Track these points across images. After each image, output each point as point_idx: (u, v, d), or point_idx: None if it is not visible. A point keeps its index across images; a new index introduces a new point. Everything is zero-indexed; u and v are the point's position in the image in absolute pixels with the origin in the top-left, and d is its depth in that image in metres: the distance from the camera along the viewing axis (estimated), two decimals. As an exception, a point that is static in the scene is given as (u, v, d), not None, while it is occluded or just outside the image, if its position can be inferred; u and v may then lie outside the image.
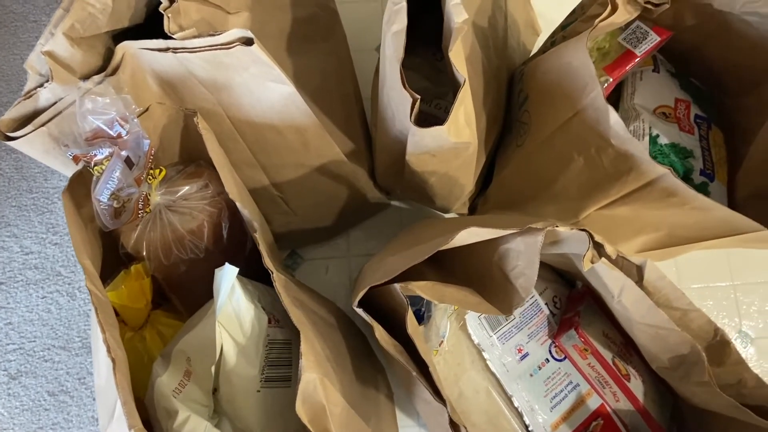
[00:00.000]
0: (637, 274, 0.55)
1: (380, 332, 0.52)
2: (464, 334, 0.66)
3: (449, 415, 0.49)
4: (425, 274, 0.58)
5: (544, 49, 0.81)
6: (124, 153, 0.58)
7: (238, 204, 0.61)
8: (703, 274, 0.96)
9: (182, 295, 0.69)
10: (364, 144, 0.84)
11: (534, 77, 0.73)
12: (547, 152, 0.70)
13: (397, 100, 0.60)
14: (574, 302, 0.68)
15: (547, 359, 0.67)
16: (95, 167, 0.58)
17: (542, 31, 0.98)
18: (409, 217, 1.00)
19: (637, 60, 0.71)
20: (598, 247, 0.52)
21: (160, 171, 0.65)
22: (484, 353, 0.66)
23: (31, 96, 0.60)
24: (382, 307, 0.57)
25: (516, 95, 0.81)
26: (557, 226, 0.50)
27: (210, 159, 0.72)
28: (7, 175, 0.98)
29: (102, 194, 0.56)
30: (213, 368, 0.56)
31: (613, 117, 0.55)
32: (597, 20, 0.60)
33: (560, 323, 0.68)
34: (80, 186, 0.62)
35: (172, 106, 0.68)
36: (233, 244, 0.70)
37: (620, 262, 0.55)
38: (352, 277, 0.97)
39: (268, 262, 0.57)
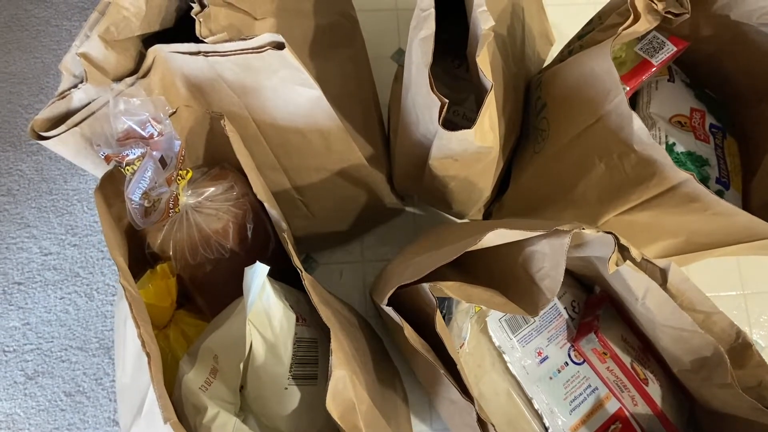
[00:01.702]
0: (660, 276, 0.56)
1: (409, 331, 0.53)
2: (485, 336, 0.67)
3: (477, 413, 0.50)
4: (448, 277, 0.58)
5: (561, 58, 0.82)
6: (156, 153, 0.59)
7: (266, 205, 0.62)
8: (714, 283, 0.97)
9: (206, 295, 0.70)
10: (382, 149, 0.86)
11: (553, 84, 0.75)
12: (566, 158, 0.71)
13: (423, 105, 0.61)
14: (592, 306, 0.69)
15: (566, 362, 0.68)
16: (127, 167, 0.60)
17: (555, 41, 1.00)
18: (423, 223, 1.01)
19: (653, 69, 0.72)
20: (623, 250, 0.53)
21: (187, 172, 0.66)
22: (504, 356, 0.66)
23: (64, 97, 0.61)
24: (407, 307, 0.58)
25: (533, 103, 0.82)
26: (583, 229, 0.51)
27: (234, 162, 0.74)
28: (27, 177, 0.99)
29: (134, 193, 0.57)
30: (241, 365, 0.57)
31: (637, 123, 0.57)
32: (620, 28, 0.62)
33: (579, 327, 0.69)
34: (111, 185, 0.63)
35: (198, 109, 0.70)
36: (257, 245, 0.71)
37: (644, 265, 0.56)
38: (366, 281, 0.98)
39: (297, 261, 0.58)
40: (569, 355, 0.68)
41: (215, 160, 0.76)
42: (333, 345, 0.52)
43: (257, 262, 0.56)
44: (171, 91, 0.67)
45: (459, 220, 0.97)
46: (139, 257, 0.70)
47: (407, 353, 0.69)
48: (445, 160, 0.66)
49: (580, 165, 0.68)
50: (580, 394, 0.67)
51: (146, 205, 0.60)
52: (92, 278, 0.94)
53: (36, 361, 0.92)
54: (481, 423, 0.50)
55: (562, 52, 0.85)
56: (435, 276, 0.55)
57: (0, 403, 0.90)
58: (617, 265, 0.53)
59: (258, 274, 0.56)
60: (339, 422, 0.50)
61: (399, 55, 1.08)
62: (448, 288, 0.53)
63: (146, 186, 0.58)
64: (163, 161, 0.58)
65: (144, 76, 0.63)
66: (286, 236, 0.60)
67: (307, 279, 0.57)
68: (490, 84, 0.56)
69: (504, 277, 0.60)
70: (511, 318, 0.68)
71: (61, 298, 0.94)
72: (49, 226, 0.97)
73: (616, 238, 0.52)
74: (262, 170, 0.76)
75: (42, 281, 0.94)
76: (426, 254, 0.57)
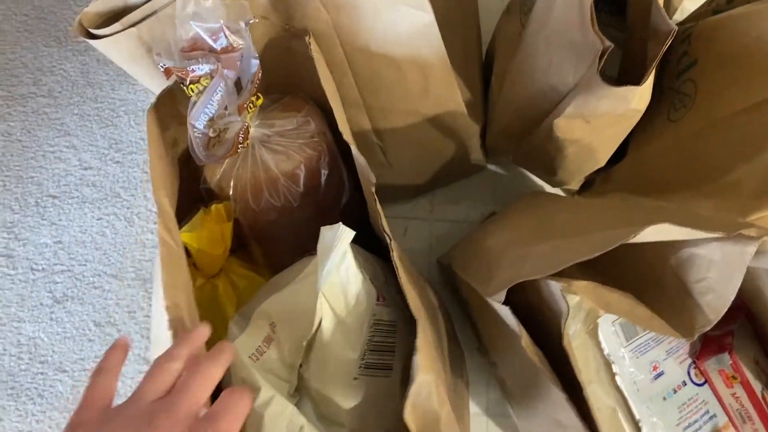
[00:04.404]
0: None
1: (527, 342, 0.42)
2: (593, 340, 0.55)
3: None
4: (571, 272, 0.47)
5: (716, 9, 0.67)
6: (228, 73, 0.47)
7: (353, 148, 0.51)
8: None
9: (266, 245, 0.59)
10: (480, 97, 0.72)
11: (714, 40, 0.60)
12: (720, 136, 0.57)
13: (568, 47, 0.48)
14: (725, 320, 0.57)
15: (684, 382, 0.57)
16: (191, 85, 0.48)
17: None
18: (503, 185, 0.88)
19: None
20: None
21: (258, 98, 0.54)
22: (613, 366, 0.55)
23: (122, -13, 0.50)
24: (515, 300, 0.47)
25: (675, 59, 0.67)
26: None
27: (309, 92, 0.62)
28: (71, 79, 0.88)
29: (199, 119, 0.46)
30: (305, 343, 0.47)
31: None
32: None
33: (704, 342, 0.57)
34: (167, 105, 0.52)
35: (276, 22, 0.57)
36: (329, 196, 0.59)
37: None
38: (432, 244, 0.86)
39: (385, 225, 0.47)
40: (689, 374, 0.57)
41: (287, 87, 0.64)
42: (419, 341, 0.41)
43: (339, 222, 0.45)
44: (248, -5, 0.55)
45: (550, 188, 0.85)
46: (191, 191, 0.60)
47: (493, 343, 0.58)
48: (575, 121, 0.53)
49: (742, 147, 0.54)
50: (696, 421, 0.56)
51: (211, 134, 0.49)
52: (134, 201, 0.85)
53: (66, 284, 0.84)
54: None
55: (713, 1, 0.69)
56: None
57: (23, 324, 0.83)
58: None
59: (340, 237, 0.45)
60: None
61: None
62: (583, 291, 0.41)
63: (214, 112, 0.47)
64: (239, 83, 0.46)
65: (220, -29, 0.51)
66: (373, 191, 0.49)
67: (397, 251, 0.46)
68: (671, 29, 0.42)
69: (642, 279, 0.48)
70: (627, 322, 0.56)
71: (98, 219, 0.85)
72: (92, 137, 0.86)
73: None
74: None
75: (79, 197, 0.85)
76: (547, 243, 0.45)
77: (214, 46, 0.48)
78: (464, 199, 0.88)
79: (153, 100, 0.50)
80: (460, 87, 0.65)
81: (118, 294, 0.83)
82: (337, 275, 0.45)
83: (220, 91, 0.46)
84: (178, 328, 0.41)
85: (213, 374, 0.36)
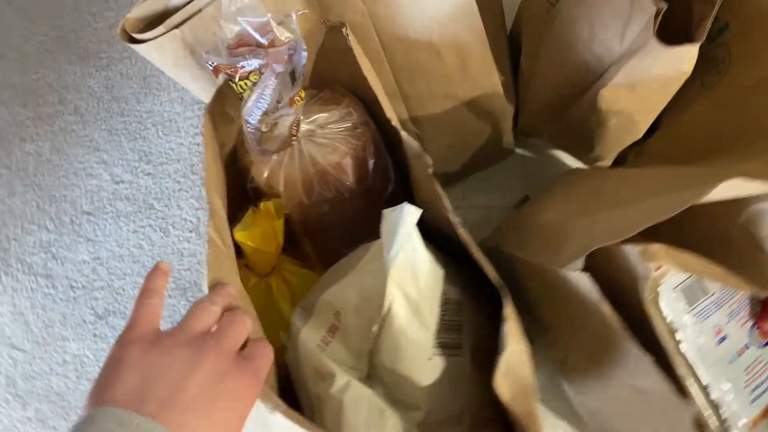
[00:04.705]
0: None
1: (608, 309, 0.42)
2: (654, 308, 0.55)
3: (696, 414, 0.39)
4: (635, 239, 0.47)
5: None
6: (277, 66, 0.47)
7: (402, 133, 0.51)
8: None
9: (318, 239, 0.59)
10: (510, 77, 0.72)
11: (742, 1, 0.60)
12: (760, 96, 0.57)
13: (614, 16, 0.48)
14: (783, 278, 0.57)
15: (746, 345, 0.56)
16: (239, 82, 0.48)
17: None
18: (532, 169, 0.88)
19: None
20: None
21: (302, 91, 0.54)
22: (677, 333, 0.55)
23: (163, -11, 0.50)
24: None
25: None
26: None
27: (346, 84, 0.62)
28: (96, 95, 0.88)
29: (252, 115, 0.46)
30: (375, 327, 0.46)
31: None
32: None
33: (764, 302, 0.57)
34: (218, 106, 0.52)
35: (313, 16, 0.58)
36: (376, 185, 0.60)
37: None
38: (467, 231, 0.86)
39: (448, 204, 0.47)
40: (751, 336, 0.57)
41: (322, 82, 0.64)
42: (507, 311, 0.42)
43: (404, 202, 0.45)
44: (284, -10, 0.55)
45: (583, 167, 0.84)
46: (236, 193, 0.60)
47: (557, 318, 0.58)
48: (620, 90, 0.54)
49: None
50: (763, 383, 0.55)
51: (264, 129, 0.49)
52: (168, 211, 0.85)
53: (107, 300, 0.84)
54: (700, 425, 0.39)
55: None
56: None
57: (67, 343, 0.83)
58: None
59: (405, 217, 0.45)
60: (510, 403, 0.40)
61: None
62: (660, 252, 0.41)
63: (267, 106, 0.47)
64: (292, 76, 0.46)
65: (259, -33, 0.51)
66: (431, 172, 0.49)
67: (463, 232, 0.46)
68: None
69: (708, 240, 0.48)
70: (688, 287, 0.56)
71: (134, 232, 0.85)
72: (121, 151, 0.87)
73: None
74: (378, 96, 0.64)
75: (113, 212, 0.85)
76: (610, 211, 0.45)
77: (261, 40, 0.48)
78: (495, 185, 0.88)
79: (208, 102, 0.49)
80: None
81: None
82: (404, 256, 0.45)
83: (271, 85, 0.46)
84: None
85: (247, 323, 0.40)
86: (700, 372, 0.55)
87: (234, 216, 0.57)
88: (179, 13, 0.50)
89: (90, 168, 0.87)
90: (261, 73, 0.48)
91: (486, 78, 0.62)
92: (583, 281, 0.42)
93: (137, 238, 0.85)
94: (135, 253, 0.84)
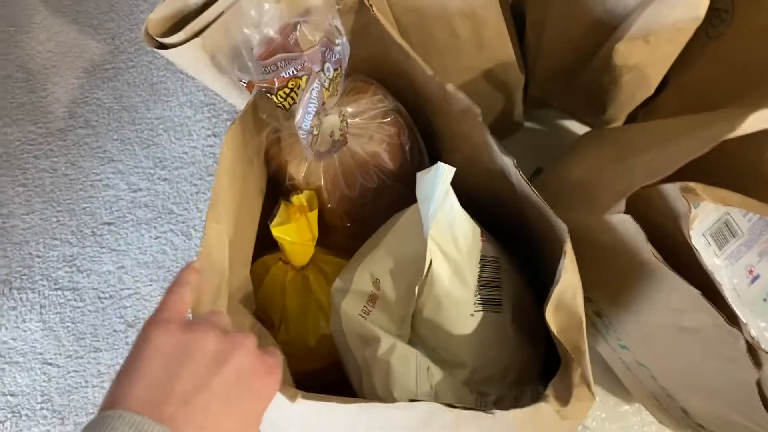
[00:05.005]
0: None
1: (652, 248, 0.43)
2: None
3: (748, 340, 0.40)
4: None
5: None
6: (315, 67, 0.48)
7: (448, 86, 0.52)
8: None
9: (363, 228, 0.60)
10: (519, 47, 0.73)
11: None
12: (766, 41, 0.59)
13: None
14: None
15: (780, 281, 0.57)
16: (278, 92, 0.49)
17: None
18: (543, 140, 0.90)
19: None
20: None
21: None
22: (710, 276, 0.56)
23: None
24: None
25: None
26: None
27: (366, 71, 0.63)
28: (105, 106, 0.89)
29: (305, 122, 0.46)
30: (417, 289, 0.47)
31: None
32: None
33: (793, 238, 0.58)
34: (249, 119, 0.52)
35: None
36: (413, 168, 0.60)
37: None
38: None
39: (500, 149, 0.48)
40: (784, 272, 0.58)
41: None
42: (567, 246, 0.42)
43: (439, 162, 0.46)
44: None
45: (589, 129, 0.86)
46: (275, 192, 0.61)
47: (597, 269, 0.59)
48: (635, 43, 0.55)
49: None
50: (799, 318, 0.56)
51: (314, 132, 0.49)
52: (188, 215, 0.86)
53: (135, 307, 0.84)
54: (753, 351, 0.40)
55: None
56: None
57: (100, 353, 0.83)
58: None
59: (441, 176, 0.45)
60: (558, 336, 0.41)
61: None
62: (699, 189, 0.42)
63: (315, 109, 0.47)
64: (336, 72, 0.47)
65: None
66: (480, 120, 0.50)
67: (518, 171, 0.48)
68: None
69: (735, 173, 0.49)
70: (717, 231, 0.57)
71: (156, 238, 0.85)
72: (135, 159, 0.87)
73: None
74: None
75: (134, 220, 0.86)
76: (646, 154, 0.46)
77: (293, 45, 0.48)
78: (507, 160, 0.89)
79: (239, 116, 0.49)
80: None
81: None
82: (442, 215, 0.46)
83: (317, 87, 0.47)
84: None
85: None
86: (737, 312, 0.56)
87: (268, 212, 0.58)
88: (199, 18, 0.50)
89: (106, 179, 0.87)
90: (297, 77, 0.48)
91: (500, 49, 0.63)
92: (626, 224, 0.43)
93: (160, 244, 0.85)
94: (159, 259, 0.85)
